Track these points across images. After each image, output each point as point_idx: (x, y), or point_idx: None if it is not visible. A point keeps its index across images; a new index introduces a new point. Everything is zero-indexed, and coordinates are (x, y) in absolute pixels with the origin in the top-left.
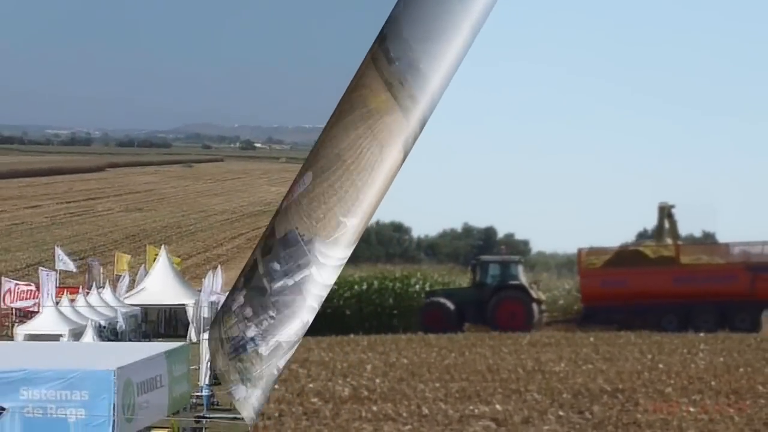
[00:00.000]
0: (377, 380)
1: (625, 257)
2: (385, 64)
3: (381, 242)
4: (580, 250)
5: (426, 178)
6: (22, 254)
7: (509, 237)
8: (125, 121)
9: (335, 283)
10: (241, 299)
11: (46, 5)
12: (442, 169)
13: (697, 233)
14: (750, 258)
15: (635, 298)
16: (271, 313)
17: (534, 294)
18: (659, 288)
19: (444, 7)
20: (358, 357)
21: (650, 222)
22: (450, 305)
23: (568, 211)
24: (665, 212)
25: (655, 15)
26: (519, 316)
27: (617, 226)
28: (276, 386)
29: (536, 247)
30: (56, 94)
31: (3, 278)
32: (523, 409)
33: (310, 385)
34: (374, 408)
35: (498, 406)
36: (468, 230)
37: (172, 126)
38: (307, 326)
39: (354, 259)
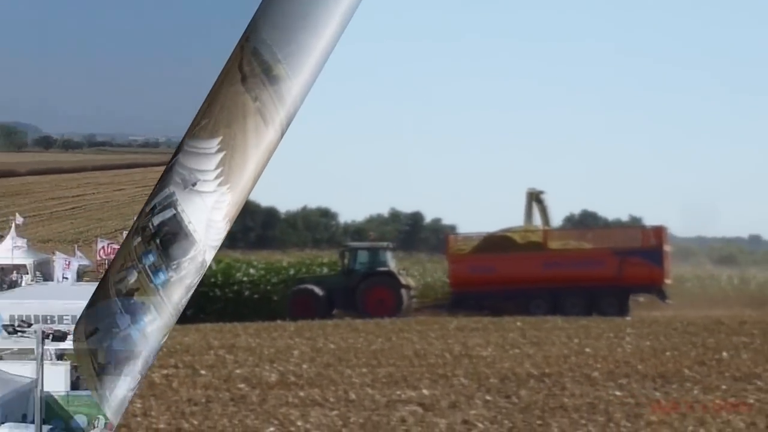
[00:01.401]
0: (304, 366)
1: (493, 243)
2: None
3: (308, 228)
4: (448, 236)
5: (352, 163)
6: (111, 222)
7: (436, 222)
8: (183, 130)
9: (262, 269)
10: None
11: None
12: (368, 154)
13: (625, 218)
14: (617, 242)
15: (504, 284)
16: (146, 208)
17: (403, 280)
18: (528, 273)
19: None
20: (285, 342)
21: (577, 207)
22: (319, 292)
23: (497, 196)
24: (533, 197)
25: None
26: (388, 302)
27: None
28: (203, 372)
29: (464, 231)
30: (134, 111)
31: (98, 239)
32: (450, 393)
33: (237, 371)
34: (301, 393)
35: (425, 391)
36: (395, 215)
37: None
38: (179, 221)
39: (281, 245)
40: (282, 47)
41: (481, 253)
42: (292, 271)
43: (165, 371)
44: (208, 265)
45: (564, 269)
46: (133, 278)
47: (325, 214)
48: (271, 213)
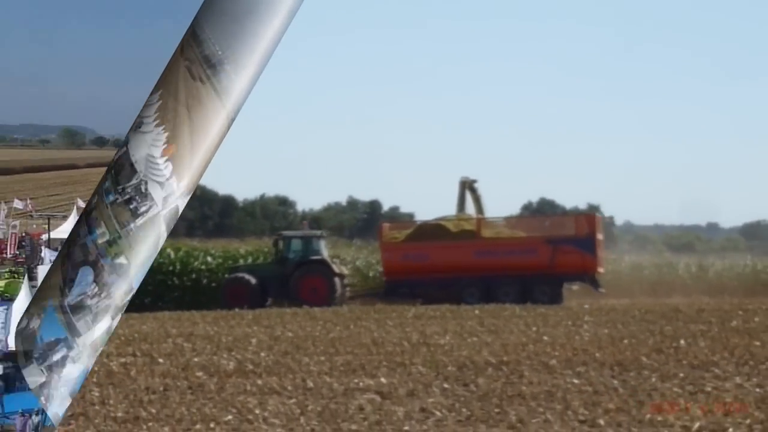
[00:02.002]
0: (262, 354)
1: (426, 231)
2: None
3: (266, 216)
4: (382, 224)
5: (311, 151)
6: None
7: (394, 210)
8: None
9: (220, 257)
10: None
11: None
12: (326, 143)
13: (582, 205)
14: (550, 231)
15: (437, 272)
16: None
17: (336, 268)
18: (460, 261)
19: None
20: (243, 331)
21: (536, 196)
22: (252, 280)
23: (455, 184)
24: (467, 186)
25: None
26: (321, 290)
27: (504, 199)
28: (161, 360)
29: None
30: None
31: None
32: (408, 381)
33: (195, 359)
34: (259, 382)
35: (383, 379)
36: (353, 203)
37: None
38: (126, 155)
39: (239, 233)
40: (212, 24)
41: (414, 241)
42: (249, 260)
43: (123, 359)
44: (155, 198)
45: (497, 258)
46: (95, 199)
47: (283, 203)
48: (228, 201)
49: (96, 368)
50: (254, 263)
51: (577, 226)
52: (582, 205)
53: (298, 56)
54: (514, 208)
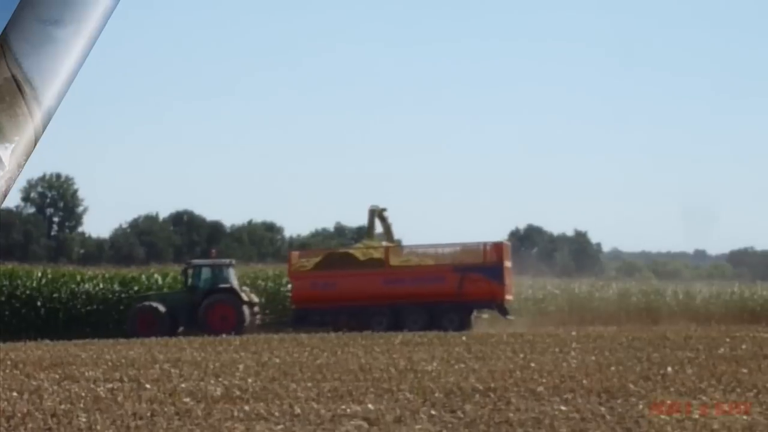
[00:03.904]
0: (249, 380)
1: (334, 259)
2: None
3: (253, 242)
4: (290, 253)
5: (299, 178)
6: None
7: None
8: None
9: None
10: None
11: None
12: (314, 170)
13: (570, 232)
14: (458, 259)
15: (345, 300)
16: None
17: (245, 297)
18: (368, 290)
19: None
20: (231, 356)
21: (524, 222)
22: (162, 309)
23: (441, 210)
24: (376, 214)
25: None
26: (230, 318)
27: (491, 225)
28: (148, 386)
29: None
30: None
31: None
32: (396, 408)
33: (183, 385)
34: (246, 408)
35: (370, 406)
36: (340, 230)
37: None
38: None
39: (227, 258)
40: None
41: (323, 269)
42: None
43: (110, 385)
44: None
45: (405, 285)
46: None
47: (271, 229)
48: (216, 227)
49: (83, 393)
50: (164, 291)
51: (485, 254)
52: (569, 232)
53: (284, 82)
54: (501, 234)
